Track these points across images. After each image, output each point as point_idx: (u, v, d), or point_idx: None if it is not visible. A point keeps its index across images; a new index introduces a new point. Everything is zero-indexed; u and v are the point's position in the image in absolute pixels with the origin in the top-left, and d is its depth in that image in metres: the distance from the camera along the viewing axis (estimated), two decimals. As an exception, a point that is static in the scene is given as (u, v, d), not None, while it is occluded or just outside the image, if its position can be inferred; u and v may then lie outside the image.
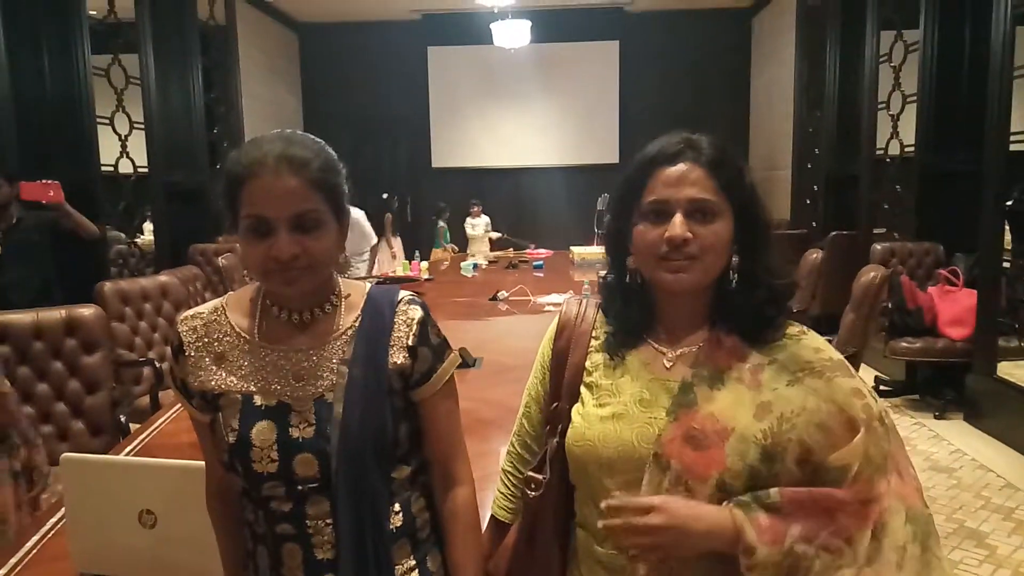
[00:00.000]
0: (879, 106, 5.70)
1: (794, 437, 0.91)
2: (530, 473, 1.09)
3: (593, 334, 1.08)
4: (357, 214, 5.86)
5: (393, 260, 7.38)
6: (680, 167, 0.96)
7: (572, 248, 6.33)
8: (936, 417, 4.39)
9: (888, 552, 0.89)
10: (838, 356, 0.98)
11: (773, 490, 0.89)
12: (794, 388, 0.94)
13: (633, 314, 1.05)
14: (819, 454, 0.91)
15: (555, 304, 4.15)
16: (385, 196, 7.93)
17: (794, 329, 1.00)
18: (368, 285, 1.11)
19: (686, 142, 0.98)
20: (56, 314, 2.72)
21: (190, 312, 1.08)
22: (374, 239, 5.73)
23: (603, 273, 1.11)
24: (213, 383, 1.03)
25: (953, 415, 4.38)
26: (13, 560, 1.48)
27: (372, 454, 1.00)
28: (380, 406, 1.01)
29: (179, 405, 2.42)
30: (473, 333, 3.49)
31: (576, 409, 1.04)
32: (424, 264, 5.85)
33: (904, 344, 4.47)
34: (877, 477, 0.90)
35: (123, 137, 5.33)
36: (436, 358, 1.07)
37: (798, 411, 0.92)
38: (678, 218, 0.95)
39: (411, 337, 1.05)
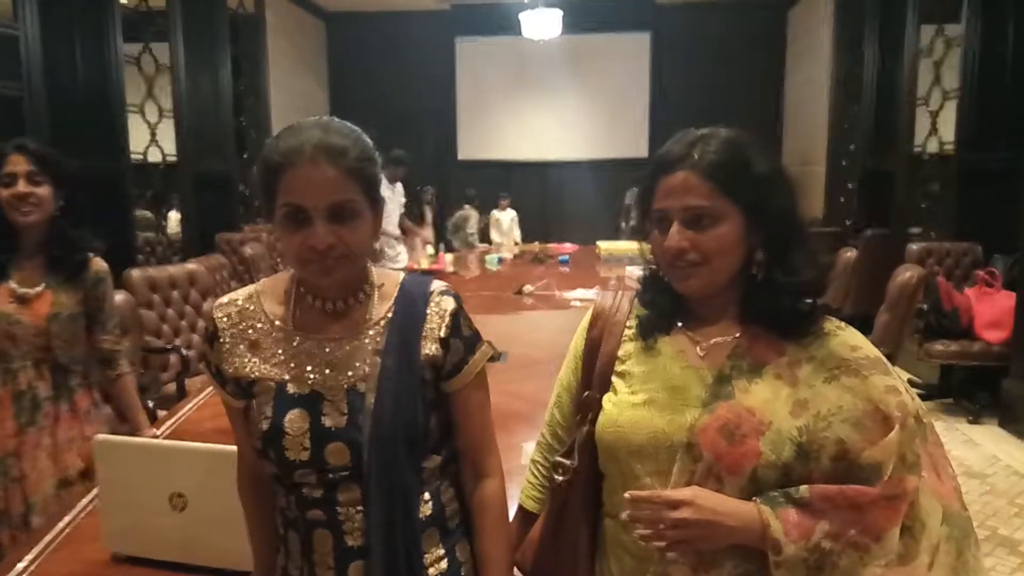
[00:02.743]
0: (918, 102, 5.60)
1: (831, 436, 0.91)
2: (558, 458, 1.11)
3: (627, 324, 1.09)
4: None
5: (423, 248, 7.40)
6: (677, 175, 0.96)
7: (599, 243, 6.29)
8: (970, 422, 4.30)
9: (923, 551, 0.88)
10: (875, 353, 0.97)
11: (803, 487, 0.90)
12: (830, 385, 0.94)
13: (665, 303, 1.06)
14: (855, 452, 0.91)
15: (581, 299, 4.13)
16: (418, 188, 8.02)
17: (831, 325, 1.00)
18: (401, 275, 1.11)
19: (689, 147, 0.97)
20: (86, 299, 2.74)
21: (225, 299, 1.08)
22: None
23: (646, 263, 1.11)
24: (247, 370, 1.03)
25: (987, 420, 4.29)
26: (47, 539, 1.51)
27: (403, 444, 1.00)
28: (412, 397, 1.01)
29: (205, 392, 2.44)
30: (499, 327, 3.48)
31: (607, 397, 1.05)
32: (449, 257, 5.86)
33: (939, 346, 4.37)
34: (908, 475, 0.90)
35: (152, 125, 5.40)
36: (468, 350, 1.07)
37: (834, 409, 0.92)
38: (674, 228, 0.96)
39: (444, 328, 1.05)
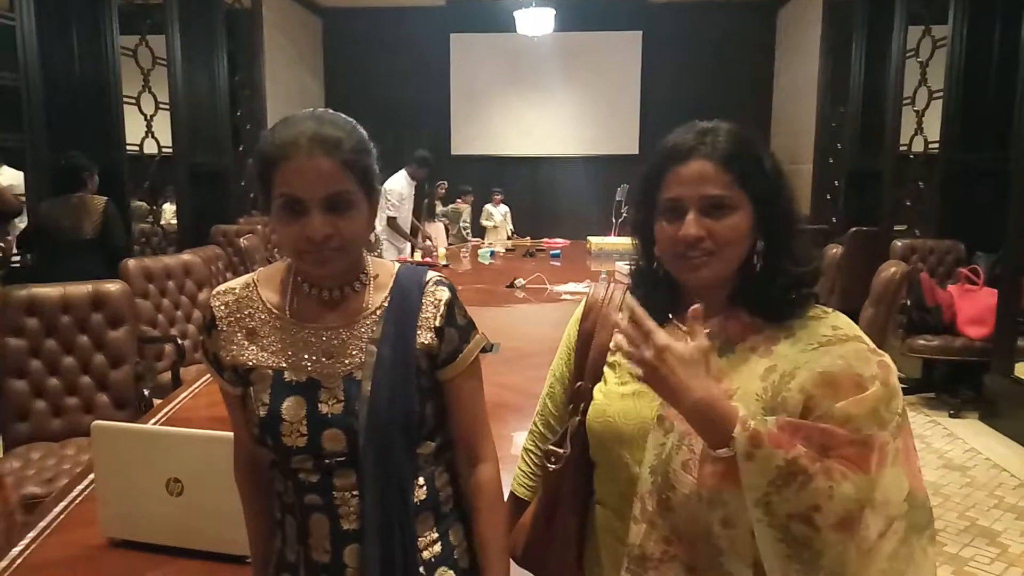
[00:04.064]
0: (904, 102, 5.64)
1: (794, 386, 0.89)
2: (550, 447, 1.12)
3: (619, 316, 1.10)
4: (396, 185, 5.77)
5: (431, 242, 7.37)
6: (693, 164, 0.96)
7: (590, 238, 6.33)
8: (951, 416, 4.37)
9: (875, 522, 0.84)
10: (856, 332, 0.96)
11: (770, 418, 0.87)
12: (806, 354, 0.92)
13: (659, 297, 1.06)
14: (820, 404, 0.87)
15: (572, 293, 4.17)
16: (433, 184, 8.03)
17: (818, 310, 0.99)
18: (396, 265, 1.13)
19: (700, 136, 0.97)
20: (83, 289, 2.78)
21: (222, 287, 1.10)
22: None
23: (632, 258, 1.12)
24: (244, 357, 1.05)
25: (968, 414, 4.37)
26: (42, 524, 1.53)
27: (399, 431, 1.02)
28: (407, 385, 1.03)
29: (201, 381, 2.47)
30: (491, 319, 3.52)
31: (598, 387, 1.06)
32: (442, 250, 5.89)
33: (922, 342, 4.45)
34: (880, 431, 0.86)
35: (148, 117, 5.40)
36: (462, 339, 1.08)
37: (802, 367, 0.90)
38: (691, 217, 0.95)
39: (438, 318, 1.06)
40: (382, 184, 1.08)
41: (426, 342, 1.05)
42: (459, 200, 8.47)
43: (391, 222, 5.69)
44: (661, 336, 0.88)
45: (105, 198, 4.11)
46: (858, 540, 0.83)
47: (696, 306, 0.91)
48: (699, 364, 0.87)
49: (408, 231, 5.90)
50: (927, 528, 0.89)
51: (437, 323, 1.06)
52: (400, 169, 5.83)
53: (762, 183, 0.97)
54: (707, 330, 0.98)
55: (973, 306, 4.38)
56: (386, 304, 1.06)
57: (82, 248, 3.87)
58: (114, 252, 3.93)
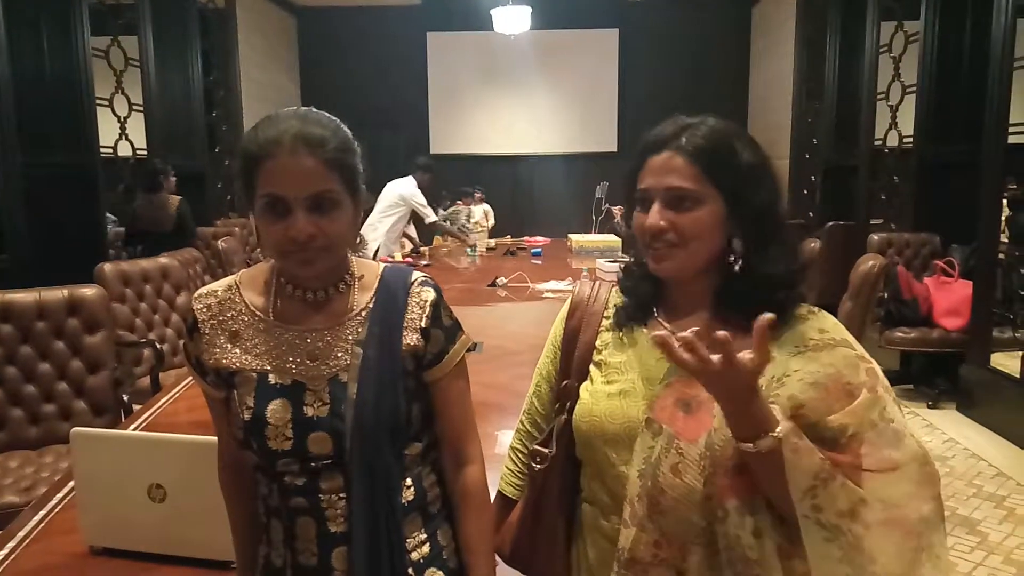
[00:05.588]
0: (878, 97, 5.71)
1: (783, 393, 0.88)
2: (535, 447, 1.12)
3: (605, 314, 1.10)
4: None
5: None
6: (663, 156, 0.97)
7: (570, 236, 6.34)
8: (929, 406, 4.43)
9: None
10: (843, 335, 0.96)
11: None
12: (794, 358, 0.92)
13: (644, 290, 1.06)
14: (812, 412, 0.87)
15: (554, 291, 4.17)
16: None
17: (804, 310, 0.98)
18: (381, 266, 1.11)
19: (679, 130, 0.97)
20: (58, 293, 2.73)
21: (204, 290, 1.08)
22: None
23: (631, 252, 1.12)
24: (228, 360, 1.03)
25: (946, 404, 4.42)
26: (21, 533, 1.50)
27: (385, 433, 1.01)
28: (394, 387, 1.02)
29: (181, 386, 2.45)
30: (473, 318, 3.51)
31: (584, 386, 1.06)
32: (424, 249, 5.88)
33: (899, 334, 4.50)
34: (883, 444, 0.86)
35: (122, 119, 5.33)
36: (448, 340, 1.08)
37: (791, 372, 0.90)
38: (655, 207, 0.96)
39: (424, 319, 1.06)
40: (366, 184, 1.07)
41: (412, 343, 1.05)
42: (459, 202, 8.38)
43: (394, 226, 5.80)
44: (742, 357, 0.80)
45: (179, 197, 4.86)
46: (899, 538, 0.84)
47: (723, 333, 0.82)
48: (758, 374, 0.82)
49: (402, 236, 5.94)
50: (942, 522, 0.90)
51: (423, 324, 1.05)
52: (393, 173, 5.86)
53: (734, 178, 0.96)
54: (695, 328, 0.98)
55: (949, 298, 4.45)
56: (371, 305, 1.05)
57: (163, 241, 4.57)
58: (188, 244, 4.57)
